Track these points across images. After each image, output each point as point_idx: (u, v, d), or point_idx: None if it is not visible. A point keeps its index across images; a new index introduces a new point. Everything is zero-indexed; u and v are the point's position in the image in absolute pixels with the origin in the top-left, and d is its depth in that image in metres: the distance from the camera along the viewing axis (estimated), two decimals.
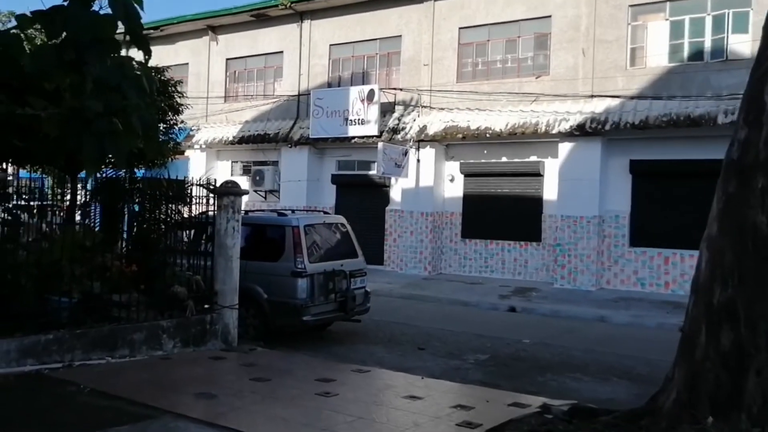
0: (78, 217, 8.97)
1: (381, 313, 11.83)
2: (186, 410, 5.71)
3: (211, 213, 9.17)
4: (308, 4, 20.70)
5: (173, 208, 9.26)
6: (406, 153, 18.39)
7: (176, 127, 11.32)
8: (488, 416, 5.77)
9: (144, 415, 5.56)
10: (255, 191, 21.23)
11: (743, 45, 14.96)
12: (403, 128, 18.74)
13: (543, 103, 16.82)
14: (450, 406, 6.09)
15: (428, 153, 18.61)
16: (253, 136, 21.47)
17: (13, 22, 8.14)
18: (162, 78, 10.87)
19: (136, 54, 6.11)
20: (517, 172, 17.79)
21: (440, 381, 7.44)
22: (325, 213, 11.96)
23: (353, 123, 19.28)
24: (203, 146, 22.73)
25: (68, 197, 8.53)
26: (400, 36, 19.59)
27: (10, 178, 8.62)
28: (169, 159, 11.15)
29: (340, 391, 6.50)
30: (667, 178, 15.84)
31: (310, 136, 20.16)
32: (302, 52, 21.35)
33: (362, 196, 19.97)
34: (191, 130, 22.38)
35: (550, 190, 17.32)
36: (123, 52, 6.44)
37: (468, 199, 18.64)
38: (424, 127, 18.27)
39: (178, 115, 11.16)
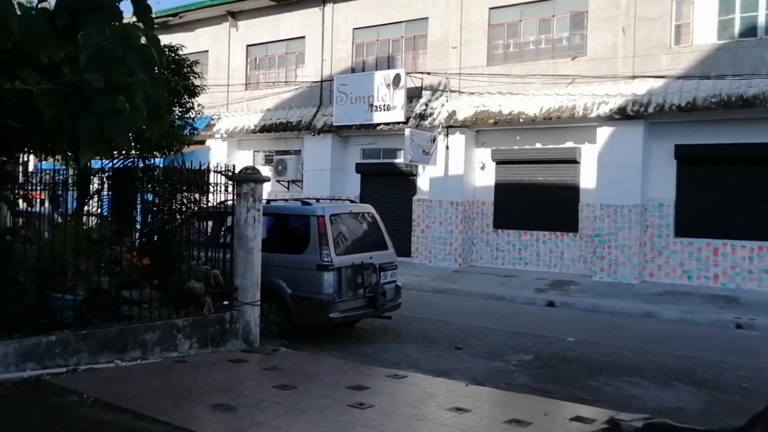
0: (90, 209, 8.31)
1: (412, 309, 11.06)
2: (200, 427, 4.95)
3: (230, 202, 8.45)
4: None
5: (190, 197, 8.55)
6: (434, 140, 17.54)
7: (193, 111, 10.57)
8: None
9: None
10: (277, 181, 20.53)
11: None
12: (431, 114, 17.88)
13: (580, 86, 15.84)
14: (503, 421, 5.26)
15: (458, 139, 17.73)
16: (275, 124, 20.76)
17: None
18: (176, 57, 10.12)
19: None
20: (552, 159, 16.85)
21: (486, 388, 6.62)
22: (352, 202, 11.18)
23: (378, 109, 18.46)
24: (224, 135, 22.09)
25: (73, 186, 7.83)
26: (427, 18, 18.69)
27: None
28: (185, 145, 10.42)
29: (375, 402, 5.71)
30: (716, 163, 14.81)
31: (334, 124, 19.39)
32: (324, 37, 20.55)
33: (388, 186, 19.16)
34: (212, 119, 21.79)
35: (587, 178, 16.38)
36: None
37: (500, 188, 17.74)
38: (453, 112, 17.41)
39: (194, 98, 10.41)
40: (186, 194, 8.49)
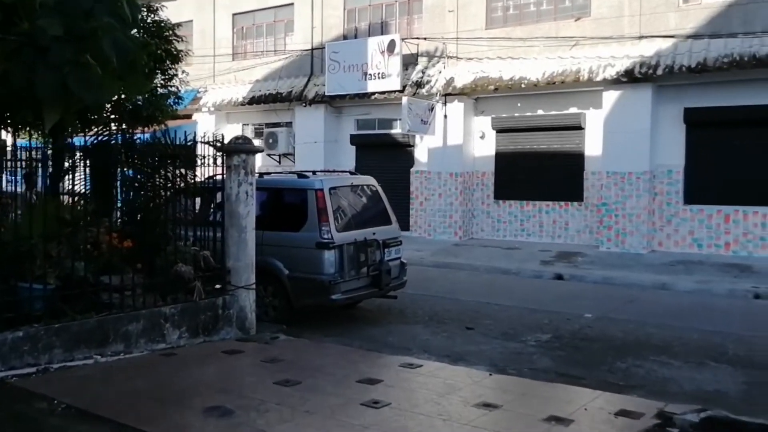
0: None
1: (415, 286, 10.38)
2: None
3: (219, 177, 7.70)
4: None
5: (175, 171, 7.78)
6: (432, 108, 16.73)
7: (177, 79, 9.73)
8: None
9: None
10: (268, 155, 19.71)
11: None
12: (428, 81, 17.07)
13: (584, 48, 15.06)
14: (541, 419, 4.59)
15: (456, 108, 16.94)
16: (265, 95, 19.86)
17: None
18: (156, 19, 9.25)
19: None
20: (556, 126, 16.11)
21: (512, 378, 5.94)
22: (352, 174, 10.44)
23: (373, 77, 17.61)
24: (211, 109, 21.18)
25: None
26: None
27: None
28: (169, 117, 9.60)
29: (391, 399, 5.03)
30: (727, 126, 14.12)
31: (326, 94, 18.52)
32: (314, 3, 19.58)
33: (384, 157, 18.39)
34: (198, 91, 20.87)
35: (592, 145, 15.68)
36: None
37: (501, 157, 17.01)
38: (451, 79, 16.60)
39: (177, 64, 9.56)
40: (171, 168, 7.71)
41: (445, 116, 16.97)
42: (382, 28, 18.50)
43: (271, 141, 19.50)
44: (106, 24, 4.28)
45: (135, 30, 4.78)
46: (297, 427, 4.48)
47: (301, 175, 9.06)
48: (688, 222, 14.64)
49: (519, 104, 16.52)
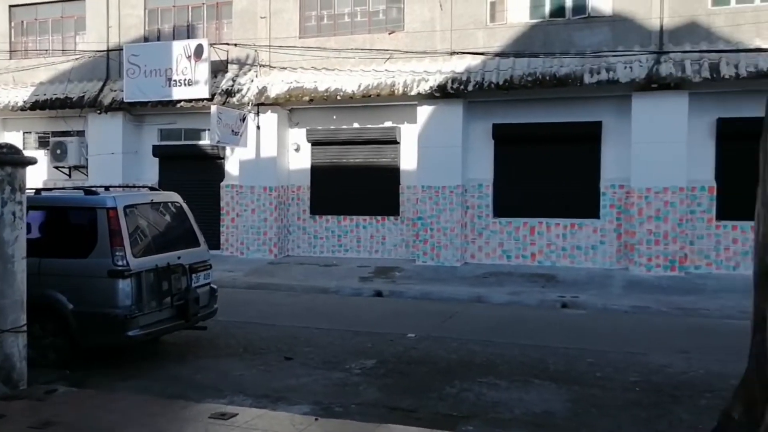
0: None
1: (227, 312, 9.41)
2: None
3: None
4: None
5: None
6: (244, 119, 15.77)
7: None
8: None
9: None
10: (56, 167, 17.49)
11: (605, 2, 14.19)
12: (239, 90, 16.09)
13: (398, 62, 15.05)
14: None
15: (269, 119, 16.14)
16: (51, 100, 17.56)
17: None
18: None
19: None
20: (371, 140, 15.92)
21: (340, 422, 5.26)
22: (153, 190, 9.23)
23: (178, 84, 16.25)
24: None
25: None
26: None
27: None
28: None
29: None
30: (531, 142, 14.81)
31: (125, 100, 16.77)
32: (110, 0, 17.75)
33: (192, 171, 17.03)
34: None
35: (408, 159, 15.71)
36: None
37: (316, 171, 16.50)
38: (264, 88, 15.79)
39: None
40: None
41: (258, 127, 16.10)
42: (189, 32, 17.20)
43: (59, 152, 17.29)
44: None
45: None
46: None
47: (88, 191, 7.73)
48: (497, 234, 15.10)
49: (335, 117, 16.14)
